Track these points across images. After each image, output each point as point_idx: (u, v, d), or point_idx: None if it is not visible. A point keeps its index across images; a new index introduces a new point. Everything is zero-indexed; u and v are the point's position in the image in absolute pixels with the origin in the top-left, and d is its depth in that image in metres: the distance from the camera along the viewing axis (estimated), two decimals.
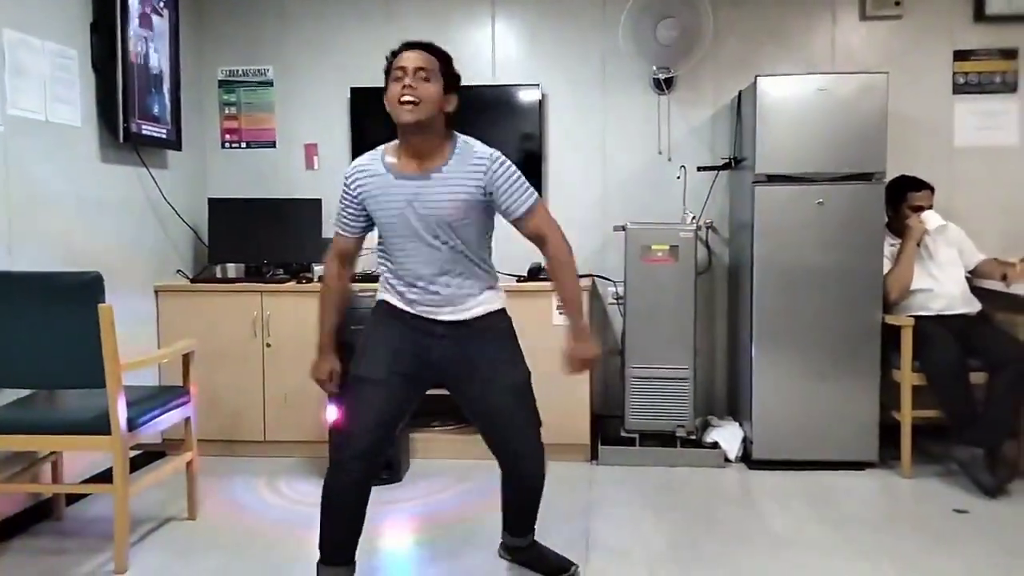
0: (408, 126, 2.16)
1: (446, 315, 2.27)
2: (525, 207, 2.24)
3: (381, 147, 2.30)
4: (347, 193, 2.30)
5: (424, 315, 2.28)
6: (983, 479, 3.25)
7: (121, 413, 2.54)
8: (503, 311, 2.37)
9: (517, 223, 2.27)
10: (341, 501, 2.28)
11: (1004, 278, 3.50)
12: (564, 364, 2.31)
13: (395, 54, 2.22)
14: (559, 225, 2.30)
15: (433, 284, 2.25)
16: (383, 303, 2.35)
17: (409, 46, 2.21)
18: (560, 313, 2.42)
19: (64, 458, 3.00)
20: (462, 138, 2.27)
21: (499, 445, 2.38)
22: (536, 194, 2.28)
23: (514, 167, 2.25)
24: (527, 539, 2.60)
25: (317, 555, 2.32)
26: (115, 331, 2.52)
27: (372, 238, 2.40)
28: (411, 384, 2.31)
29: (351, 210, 2.31)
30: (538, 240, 2.29)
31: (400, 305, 2.30)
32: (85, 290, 2.56)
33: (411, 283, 2.26)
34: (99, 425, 2.54)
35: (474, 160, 2.21)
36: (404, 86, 2.13)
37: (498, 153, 2.25)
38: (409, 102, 2.12)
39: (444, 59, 2.23)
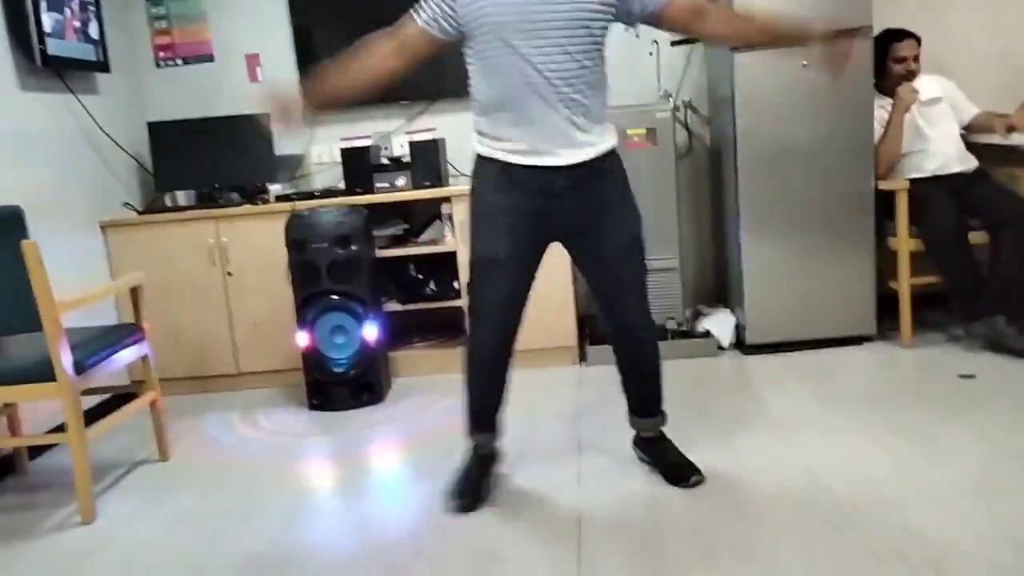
0: None
1: (563, 157, 2.10)
2: None
3: None
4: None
5: (538, 164, 2.10)
6: (1017, 344, 3.10)
7: (65, 357, 2.34)
8: (614, 152, 2.21)
9: (661, 17, 2.09)
10: (485, 374, 2.31)
11: (1011, 129, 3.26)
12: (826, 67, 2.13)
13: None
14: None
15: (552, 114, 2.06)
16: (485, 162, 2.17)
17: None
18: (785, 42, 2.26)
19: (24, 409, 2.82)
20: None
21: (615, 300, 2.28)
22: None
23: None
24: (656, 423, 2.42)
25: (300, 486, 2.26)
26: (44, 269, 2.29)
27: None
28: (533, 252, 2.22)
29: (445, 14, 2.07)
30: (696, 18, 2.11)
31: (510, 158, 2.12)
32: (4, 226, 2.33)
33: (525, 117, 2.06)
34: (42, 371, 2.34)
35: None
36: None
37: None
38: None
39: None
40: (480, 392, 2.34)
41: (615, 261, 2.24)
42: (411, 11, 2.15)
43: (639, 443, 2.49)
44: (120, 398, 3.32)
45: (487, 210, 2.19)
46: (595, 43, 2.09)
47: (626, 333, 2.33)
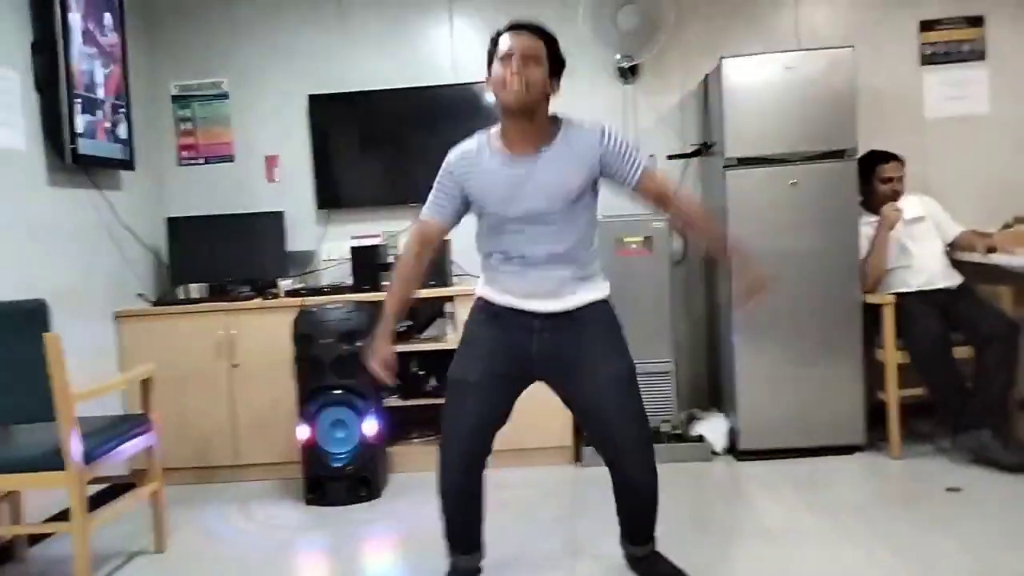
0: (514, 111, 2.12)
1: (549, 305, 2.22)
2: (638, 175, 2.20)
3: (481, 134, 2.26)
4: (448, 176, 2.25)
5: (524, 308, 2.23)
6: (1003, 458, 3.16)
7: (75, 446, 2.41)
8: (606, 301, 2.30)
9: (634, 190, 2.22)
10: (452, 498, 2.33)
11: (991, 250, 3.41)
12: (738, 298, 2.28)
13: (500, 34, 2.17)
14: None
15: (539, 268, 2.20)
16: (481, 301, 2.33)
17: (516, 27, 2.16)
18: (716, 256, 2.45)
19: (26, 496, 2.87)
20: (565, 118, 2.23)
21: (604, 441, 2.29)
22: (644, 161, 2.24)
23: (621, 133, 2.23)
24: (646, 548, 2.42)
25: None
26: (64, 360, 2.39)
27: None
28: (508, 383, 2.28)
29: (449, 194, 2.25)
30: (661, 200, 2.25)
31: (499, 299, 2.27)
32: (29, 319, 2.44)
33: (516, 269, 2.22)
34: (52, 460, 2.41)
35: (584, 137, 2.19)
36: (512, 72, 2.09)
37: (604, 123, 2.22)
38: (517, 86, 2.08)
39: (551, 42, 2.19)
40: (450, 515, 2.36)
41: (600, 405, 2.25)
42: (421, 218, 2.33)
43: (630, 560, 2.47)
44: (118, 487, 3.37)
45: (468, 338, 2.33)
46: (584, 206, 2.23)
47: (621, 481, 2.31)
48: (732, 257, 2.34)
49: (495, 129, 2.24)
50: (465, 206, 2.28)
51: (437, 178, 2.28)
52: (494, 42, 2.17)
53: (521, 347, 2.24)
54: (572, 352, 2.24)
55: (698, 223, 2.34)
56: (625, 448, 2.26)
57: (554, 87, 2.20)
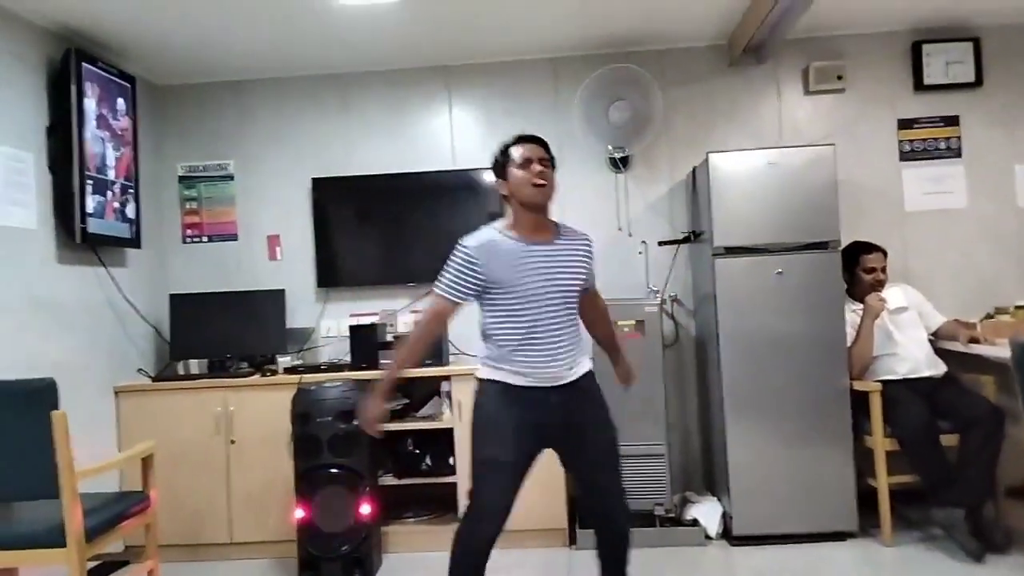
0: (539, 207, 2.47)
1: (563, 379, 2.47)
2: (594, 277, 2.65)
3: (489, 227, 2.51)
4: (470, 263, 2.43)
5: (539, 385, 2.44)
6: (967, 544, 3.22)
7: (77, 524, 2.43)
8: (592, 373, 2.60)
9: (586, 292, 2.62)
10: (471, 565, 2.45)
11: (973, 341, 3.53)
12: (622, 381, 2.81)
13: (514, 144, 2.52)
14: None
15: (557, 346, 2.45)
16: (494, 384, 2.48)
17: (526, 139, 2.52)
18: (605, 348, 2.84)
19: (21, 571, 2.85)
20: (552, 218, 2.57)
21: (599, 496, 2.57)
22: None
23: None
24: None
25: None
26: (69, 439, 2.44)
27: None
28: (531, 457, 2.49)
29: (472, 279, 2.44)
30: (594, 299, 2.70)
31: (515, 381, 2.45)
32: (38, 397, 2.49)
33: (537, 349, 2.43)
34: (54, 538, 2.43)
35: (579, 236, 2.59)
36: (538, 172, 2.45)
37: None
38: (542, 186, 2.44)
39: (549, 151, 2.55)
40: None
41: (599, 465, 2.55)
42: (436, 291, 2.48)
43: None
44: (111, 563, 3.36)
45: (492, 420, 2.47)
46: (578, 297, 2.56)
47: (609, 527, 2.61)
48: (621, 354, 2.80)
49: (503, 223, 2.51)
50: (480, 289, 2.45)
51: (456, 264, 2.44)
52: (504, 153, 2.51)
53: (542, 423, 2.46)
54: (580, 422, 2.51)
55: (607, 323, 2.77)
56: (615, 501, 2.58)
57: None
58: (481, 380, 2.51)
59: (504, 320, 2.45)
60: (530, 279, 2.42)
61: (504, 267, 2.41)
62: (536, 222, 2.48)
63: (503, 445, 2.42)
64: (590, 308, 2.69)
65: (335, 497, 3.38)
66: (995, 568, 3.13)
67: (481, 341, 2.51)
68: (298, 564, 3.38)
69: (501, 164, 2.51)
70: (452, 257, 2.44)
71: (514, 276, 2.41)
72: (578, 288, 2.51)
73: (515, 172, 2.46)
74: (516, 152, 2.48)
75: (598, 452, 2.53)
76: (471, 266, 2.42)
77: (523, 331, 2.43)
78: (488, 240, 2.45)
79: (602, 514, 2.61)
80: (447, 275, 2.45)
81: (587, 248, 2.57)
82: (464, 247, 2.44)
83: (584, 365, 2.55)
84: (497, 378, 2.47)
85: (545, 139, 2.55)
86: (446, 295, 2.45)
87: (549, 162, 2.49)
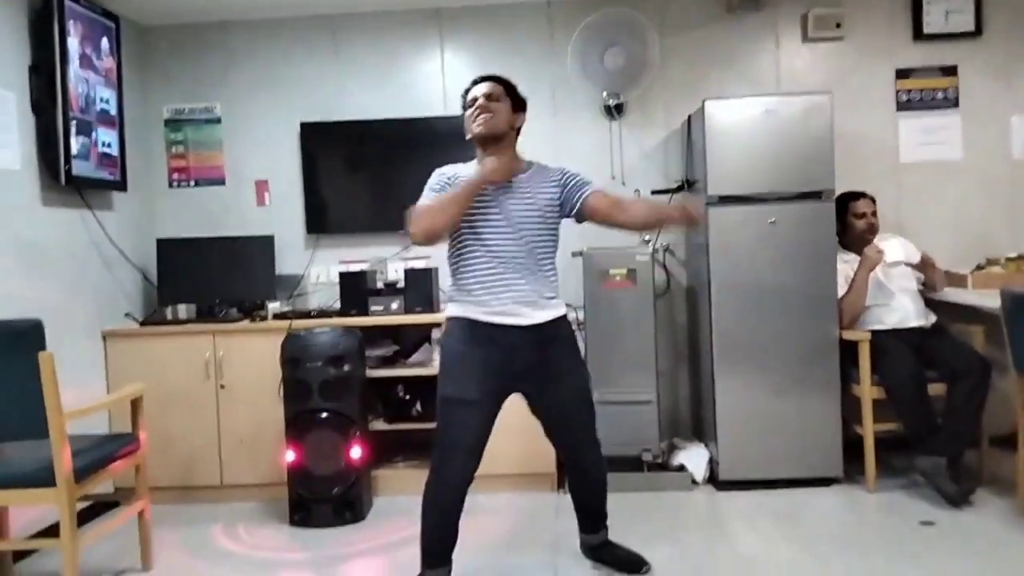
0: (484, 137, 2.50)
1: (524, 318, 2.46)
2: (590, 189, 2.56)
3: (463, 164, 2.60)
4: (441, 181, 2.52)
5: (502, 323, 2.45)
6: (947, 489, 3.27)
7: (66, 464, 2.43)
8: (566, 317, 2.61)
9: (585, 207, 2.54)
10: (443, 510, 2.50)
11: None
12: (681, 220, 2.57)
13: (467, 91, 2.58)
14: None
15: (516, 282, 2.46)
16: (459, 321, 2.51)
17: (481, 79, 2.58)
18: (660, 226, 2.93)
19: (11, 511, 2.86)
20: (539, 163, 2.64)
21: (567, 443, 2.66)
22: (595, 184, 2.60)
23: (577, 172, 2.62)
24: (600, 536, 2.81)
25: None
26: (56, 379, 2.42)
27: None
28: (497, 398, 2.51)
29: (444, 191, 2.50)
30: (615, 210, 2.54)
31: (479, 316, 2.46)
32: (24, 338, 2.48)
33: (492, 284, 2.45)
34: (43, 477, 2.44)
35: (550, 174, 2.59)
36: (478, 106, 2.50)
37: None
38: (482, 117, 2.48)
39: (508, 85, 2.59)
40: (437, 530, 2.53)
41: (567, 412, 2.60)
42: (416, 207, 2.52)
43: (589, 550, 2.84)
44: (101, 504, 3.38)
45: (458, 358, 2.49)
46: (551, 231, 2.57)
47: (579, 476, 2.73)
48: (668, 212, 2.61)
49: (473, 161, 2.60)
50: None
51: (430, 185, 2.54)
52: (463, 97, 2.59)
53: (508, 364, 2.47)
54: (547, 367, 2.52)
55: (651, 217, 2.63)
56: (587, 449, 2.67)
57: (518, 120, 2.60)
58: (448, 318, 2.55)
59: (464, 254, 2.50)
60: (484, 214, 2.46)
61: None
62: (495, 157, 2.49)
63: (468, 384, 2.44)
64: (612, 210, 2.53)
65: (325, 441, 3.40)
66: (974, 514, 3.18)
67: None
68: (289, 506, 3.42)
69: (464, 109, 2.59)
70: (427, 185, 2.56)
71: (472, 208, 2.45)
72: (540, 223, 2.51)
73: (465, 114, 2.57)
74: (469, 95, 2.57)
75: (564, 400, 2.57)
76: (433, 190, 2.52)
77: (482, 265, 2.47)
78: (450, 170, 2.57)
79: (572, 462, 2.69)
80: (423, 197, 2.52)
81: (556, 180, 2.57)
82: (436, 171, 2.59)
83: (555, 310, 2.55)
84: (460, 314, 2.50)
85: (504, 77, 2.60)
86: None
87: (500, 95, 2.52)
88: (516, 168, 2.54)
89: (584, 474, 2.71)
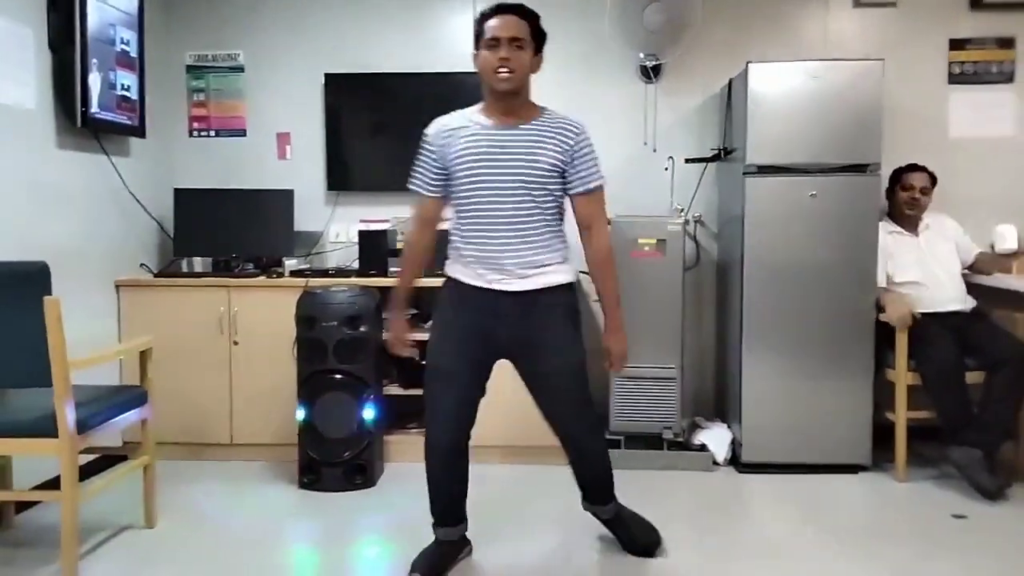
0: (504, 94, 2.26)
1: (514, 284, 2.29)
2: (591, 185, 2.33)
3: (464, 110, 2.37)
4: (428, 149, 2.36)
5: (491, 287, 2.29)
6: (983, 481, 3.13)
7: (69, 414, 2.35)
8: (570, 286, 2.39)
9: (575, 200, 2.35)
10: (439, 474, 2.44)
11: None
12: (605, 359, 2.45)
13: (486, 17, 2.27)
14: (607, 222, 2.43)
15: (507, 241, 2.27)
16: (450, 282, 2.39)
17: (502, 9, 2.27)
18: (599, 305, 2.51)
19: (17, 461, 2.80)
20: (552, 110, 2.37)
21: (553, 419, 2.46)
22: (603, 180, 2.36)
23: (594, 145, 2.35)
24: (608, 509, 2.64)
25: (283, 566, 2.31)
26: (62, 326, 2.33)
27: None
28: (482, 366, 2.39)
29: (431, 167, 2.35)
30: (585, 226, 2.37)
31: (467, 279, 2.32)
32: (29, 281, 2.39)
33: (483, 244, 2.28)
34: (44, 427, 2.36)
35: (564, 124, 2.31)
36: (500, 58, 2.21)
37: (585, 125, 2.35)
38: (506, 73, 2.22)
39: (534, 21, 2.30)
40: (439, 489, 2.48)
41: (554, 386, 2.40)
42: (410, 185, 2.41)
43: (598, 517, 2.67)
44: (109, 458, 3.32)
45: (444, 326, 2.40)
46: (551, 192, 2.32)
47: (574, 455, 2.54)
48: (610, 320, 2.43)
49: (478, 105, 2.36)
50: (448, 177, 2.34)
51: (418, 155, 2.38)
52: (480, 23, 2.29)
53: (491, 331, 2.33)
54: (534, 339, 2.34)
55: (601, 273, 2.41)
56: (575, 433, 2.48)
57: (537, 64, 2.33)
58: (445, 278, 2.42)
59: (459, 208, 2.34)
60: (478, 161, 2.27)
61: (457, 148, 2.30)
62: (506, 106, 2.30)
63: (449, 354, 2.36)
64: (582, 227, 2.38)
65: (338, 403, 3.31)
66: (1007, 508, 3.04)
67: None
68: (298, 468, 3.34)
69: (476, 35, 2.30)
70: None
71: (459, 156, 2.29)
72: (538, 182, 2.27)
73: (484, 52, 2.27)
74: (489, 26, 2.25)
75: (548, 376, 2.38)
76: (426, 154, 2.36)
77: (470, 220, 2.31)
78: (447, 123, 2.35)
79: (560, 438, 2.50)
80: (413, 169, 2.37)
81: (568, 133, 2.29)
82: (424, 135, 2.38)
83: (552, 276, 2.33)
84: (450, 273, 2.39)
85: (529, 8, 2.30)
86: (414, 189, 2.42)
87: (525, 42, 2.24)
88: (527, 115, 2.31)
89: (576, 454, 2.53)
